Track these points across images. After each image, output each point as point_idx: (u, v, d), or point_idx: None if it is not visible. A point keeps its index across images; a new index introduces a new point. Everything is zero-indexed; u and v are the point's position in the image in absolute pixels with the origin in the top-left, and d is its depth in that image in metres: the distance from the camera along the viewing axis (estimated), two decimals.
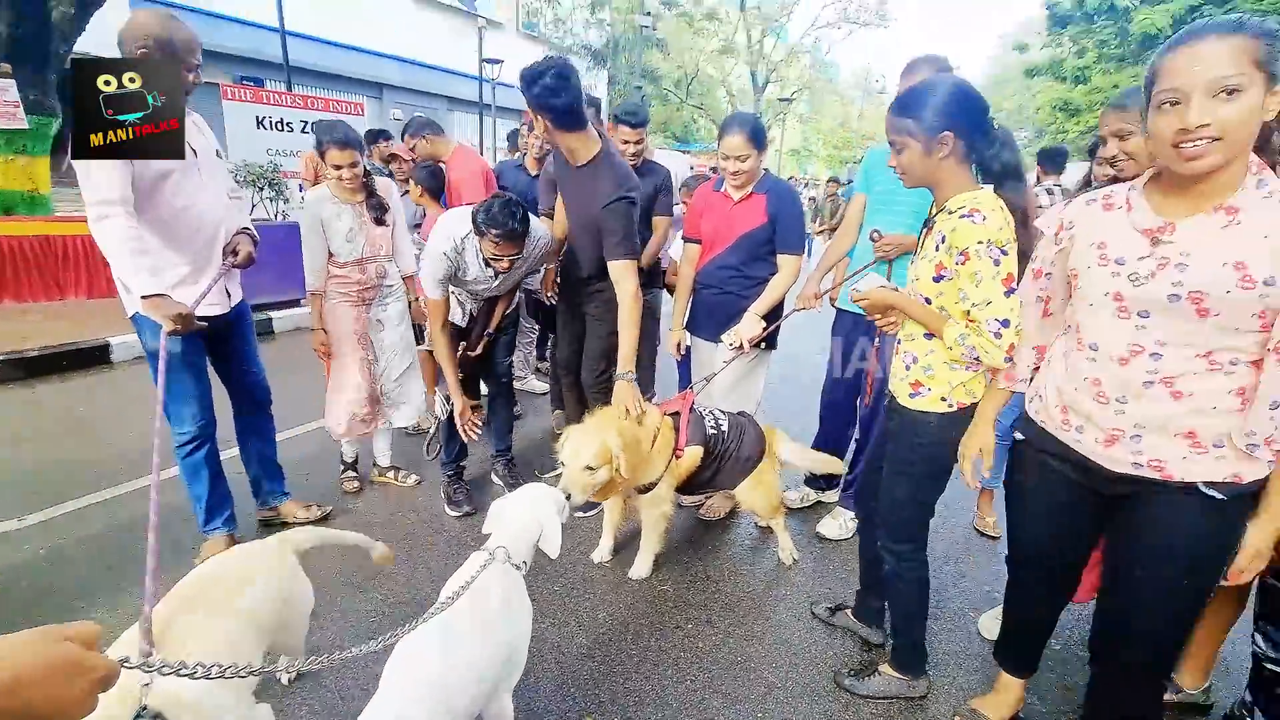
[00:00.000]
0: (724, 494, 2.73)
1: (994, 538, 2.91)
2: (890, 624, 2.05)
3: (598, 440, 2.13)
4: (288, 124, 7.21)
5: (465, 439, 2.80)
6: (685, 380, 3.31)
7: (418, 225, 3.74)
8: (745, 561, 2.73)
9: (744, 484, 2.53)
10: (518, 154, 4.41)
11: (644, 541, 2.54)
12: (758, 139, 2.55)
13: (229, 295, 2.38)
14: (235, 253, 2.26)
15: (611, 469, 2.15)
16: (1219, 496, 1.29)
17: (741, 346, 2.61)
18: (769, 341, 2.75)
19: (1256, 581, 1.72)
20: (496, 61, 15.62)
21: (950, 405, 1.68)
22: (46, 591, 2.28)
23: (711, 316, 2.81)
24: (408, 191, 3.63)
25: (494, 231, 2.38)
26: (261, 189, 6.23)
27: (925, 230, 1.70)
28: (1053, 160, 4.45)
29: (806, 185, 20.35)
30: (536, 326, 4.44)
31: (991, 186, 1.60)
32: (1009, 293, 1.49)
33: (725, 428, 2.50)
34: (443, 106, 19.39)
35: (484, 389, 3.14)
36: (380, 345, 2.94)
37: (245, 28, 14.14)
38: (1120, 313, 1.30)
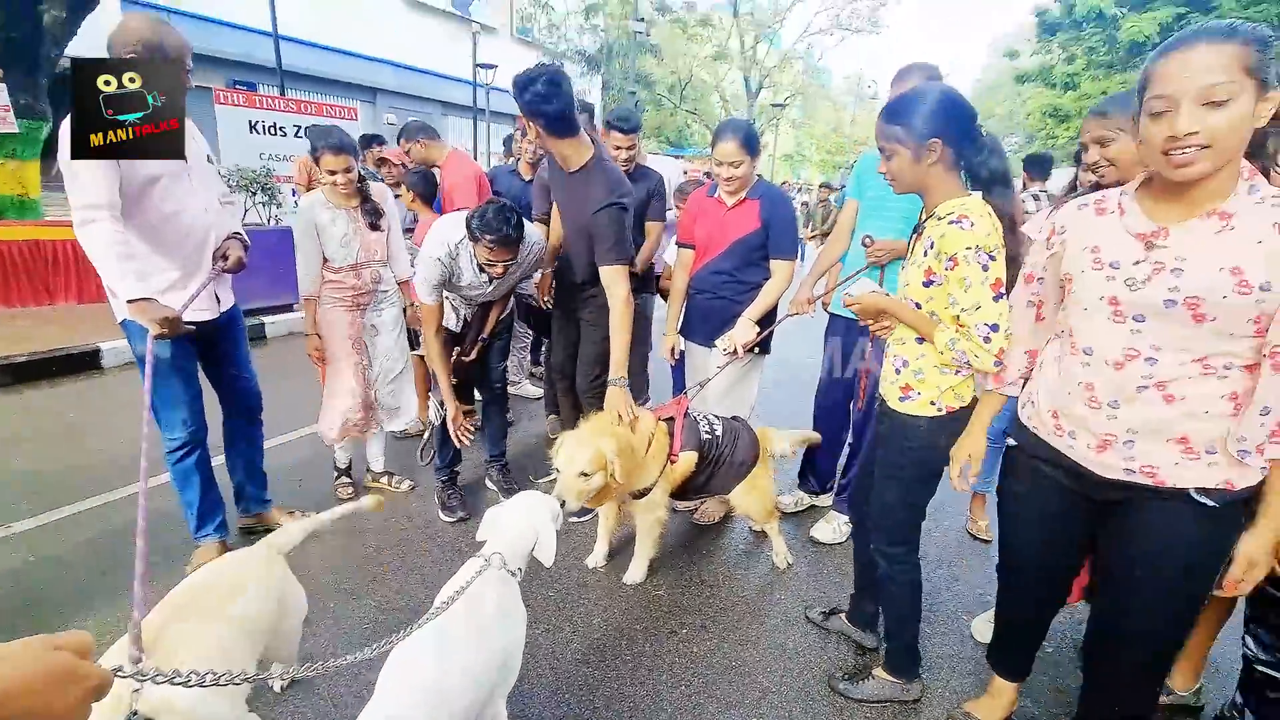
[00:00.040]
0: (718, 499, 2.73)
1: (986, 541, 2.92)
2: (883, 627, 2.05)
3: (592, 447, 2.13)
4: (281, 128, 7.20)
5: (458, 444, 2.80)
6: (679, 385, 3.31)
7: (410, 230, 3.74)
8: (740, 566, 2.73)
9: (738, 489, 2.54)
10: (511, 159, 4.41)
11: (639, 547, 2.54)
12: (751, 145, 2.57)
13: (218, 300, 2.36)
14: (225, 257, 2.25)
15: (606, 475, 2.15)
16: (1210, 503, 1.28)
17: (735, 352, 2.61)
18: (763, 346, 2.76)
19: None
20: (490, 66, 15.63)
21: (939, 409, 1.69)
22: (37, 600, 2.26)
23: (705, 321, 2.82)
24: (398, 196, 3.63)
25: (488, 237, 2.38)
26: (254, 194, 6.20)
27: (915, 236, 1.72)
28: (1038, 166, 4.50)
29: (800, 190, 20.43)
30: (530, 331, 4.44)
31: (980, 193, 1.62)
32: (998, 297, 1.51)
33: (720, 433, 2.51)
34: (436, 111, 19.37)
35: (478, 394, 3.13)
36: (375, 350, 2.93)
37: (238, 32, 14.10)
38: (1115, 317, 1.30)
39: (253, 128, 6.99)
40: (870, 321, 1.80)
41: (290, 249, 2.77)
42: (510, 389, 3.79)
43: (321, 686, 1.93)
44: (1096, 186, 1.85)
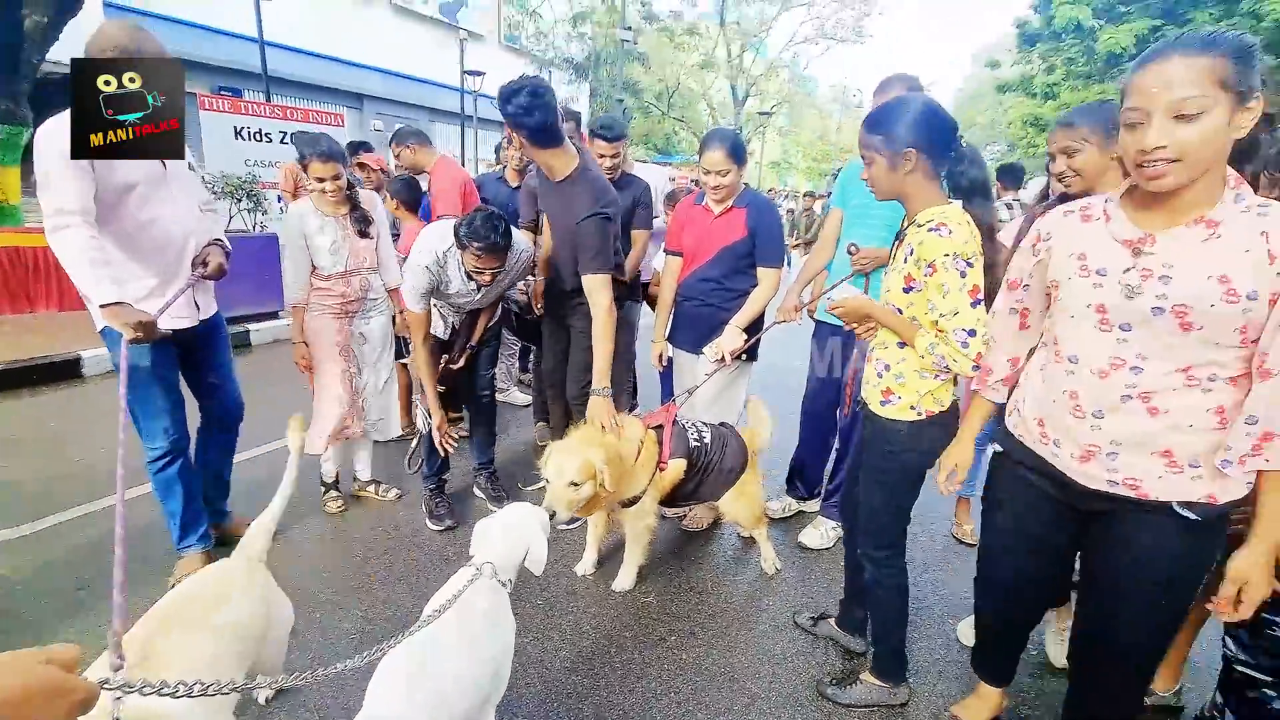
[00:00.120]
0: (707, 505, 2.74)
1: (972, 545, 2.95)
2: (871, 632, 2.07)
3: (581, 456, 2.13)
4: (266, 134, 7.15)
5: (441, 451, 2.79)
6: (667, 392, 3.33)
7: (395, 236, 3.73)
8: (728, 572, 2.74)
9: (727, 495, 2.55)
10: (499, 166, 4.42)
11: (628, 554, 2.54)
12: (737, 154, 2.59)
13: (199, 307, 2.33)
14: (205, 264, 2.22)
15: (596, 484, 2.15)
16: (1193, 517, 1.28)
17: (723, 359, 2.63)
18: (750, 354, 2.78)
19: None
20: (478, 73, 15.66)
21: (919, 413, 1.71)
22: (14, 612, 2.22)
23: (693, 328, 2.83)
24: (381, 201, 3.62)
25: (476, 244, 2.38)
26: (239, 200, 6.15)
27: (896, 243, 1.75)
28: (1010, 176, 4.60)
29: (786, 197, 20.58)
30: (518, 339, 4.44)
31: (960, 202, 1.66)
32: (975, 303, 1.54)
33: (708, 440, 2.52)
34: (424, 118, 19.35)
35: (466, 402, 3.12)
36: (363, 358, 2.91)
37: (224, 38, 14.03)
38: (1102, 325, 1.29)
39: (238, 134, 6.93)
40: (855, 325, 1.83)
41: (275, 256, 2.76)
42: (499, 396, 3.78)
43: (308, 698, 1.91)
44: (1065, 196, 1.89)
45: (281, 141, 7.15)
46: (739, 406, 2.93)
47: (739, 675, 2.13)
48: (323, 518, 2.92)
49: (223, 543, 2.54)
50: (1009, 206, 3.89)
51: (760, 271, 2.71)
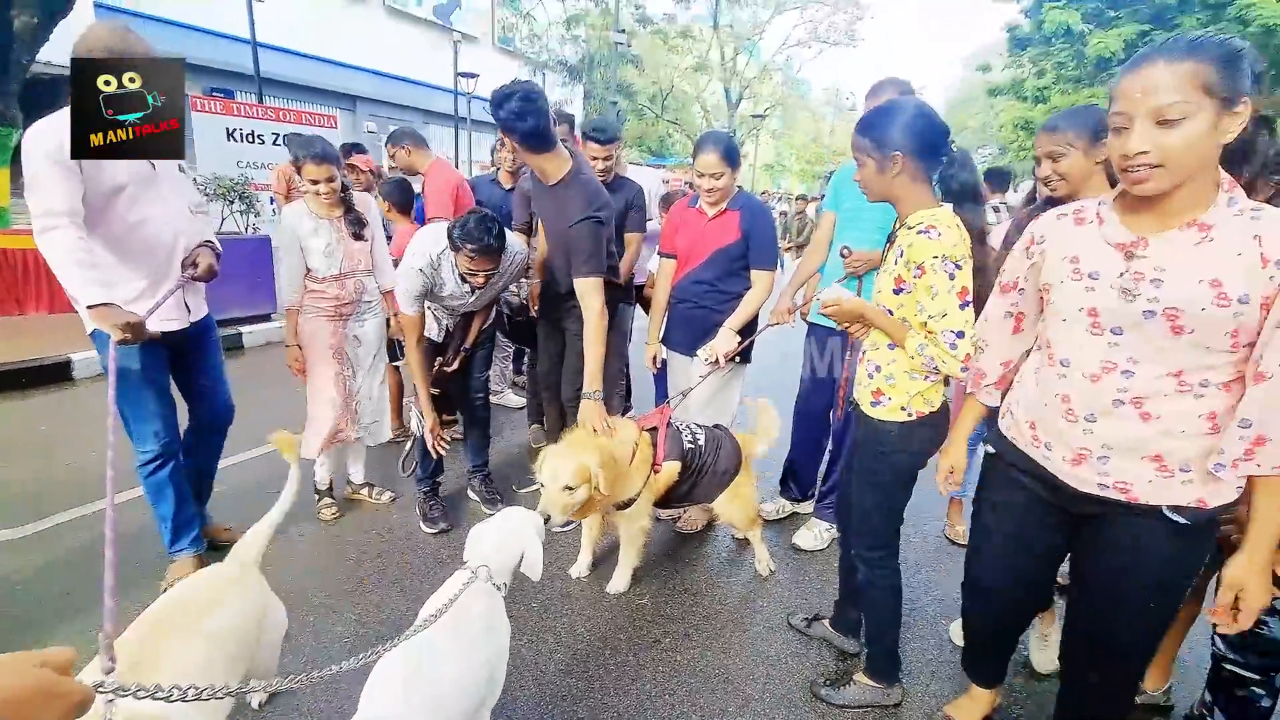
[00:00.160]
0: (702, 507, 2.75)
1: (964, 546, 2.96)
2: (864, 632, 2.08)
3: (576, 460, 2.13)
4: (259, 136, 7.12)
5: (433, 454, 2.79)
6: (662, 394, 3.33)
7: (388, 238, 3.73)
8: (723, 573, 2.74)
9: (721, 497, 2.55)
10: (493, 168, 4.42)
11: (622, 556, 2.54)
12: (731, 158, 2.61)
13: (189, 309, 2.32)
14: (195, 264, 2.20)
15: (591, 488, 2.15)
16: (1183, 521, 1.28)
17: (717, 361, 2.64)
18: (744, 356, 2.79)
19: (1214, 584, 1.79)
20: (472, 76, 15.64)
21: (909, 414, 1.73)
22: (7, 615, 2.20)
23: (687, 330, 2.84)
24: None
25: (469, 246, 2.39)
26: (232, 202, 6.12)
27: (888, 245, 1.77)
28: (997, 179, 4.66)
29: (780, 200, 20.65)
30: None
31: (951, 205, 1.67)
32: (964, 305, 1.55)
33: (702, 442, 2.53)
34: (418, 119, 19.31)
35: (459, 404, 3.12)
36: (357, 361, 2.90)
37: (216, 39, 13.97)
38: (1094, 328, 1.29)
39: (230, 135, 6.90)
40: (847, 325, 1.84)
41: (268, 258, 2.75)
42: (493, 399, 3.78)
43: (302, 702, 1.90)
44: (1050, 200, 1.91)
45: (274, 143, 7.13)
46: (733, 408, 2.94)
47: (733, 677, 2.13)
48: (316, 521, 2.91)
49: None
50: (995, 209, 3.92)
51: (754, 274, 2.73)
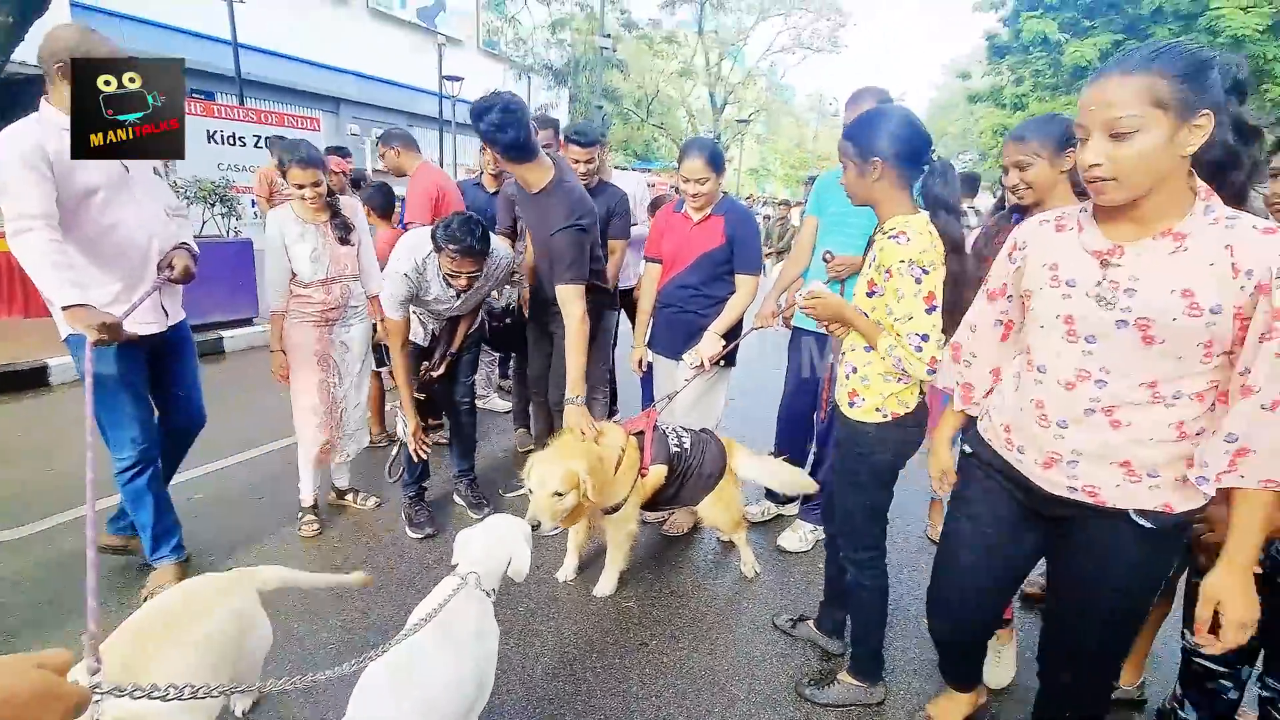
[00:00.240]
0: (687, 510, 2.77)
1: None
2: (850, 633, 2.11)
3: (564, 466, 2.14)
4: (240, 138, 7.08)
5: (415, 458, 2.78)
6: (648, 398, 3.35)
7: None
8: (708, 576, 2.76)
9: (707, 500, 2.57)
10: (478, 172, 4.43)
11: (609, 560, 2.55)
12: (716, 163, 2.64)
13: (166, 313, 2.29)
14: (171, 266, 2.18)
15: (579, 494, 2.16)
16: (1149, 525, 1.28)
17: (702, 365, 2.67)
18: (728, 359, 2.82)
19: (1183, 581, 1.84)
20: (457, 79, 15.60)
21: (885, 415, 1.76)
22: None
23: (672, 334, 2.87)
24: None
25: (451, 247, 2.39)
26: (213, 205, 6.05)
27: (867, 249, 1.81)
28: (967, 184, 4.76)
29: (765, 204, 20.78)
30: None
31: (928, 213, 1.71)
32: (930, 310, 1.59)
33: (688, 445, 2.55)
34: (402, 122, 19.18)
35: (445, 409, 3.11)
36: (344, 367, 2.87)
37: (196, 40, 13.80)
38: (1069, 336, 1.29)
39: (211, 137, 6.85)
40: (826, 323, 1.87)
41: (249, 261, 2.73)
42: (479, 403, 3.77)
43: (285, 710, 1.89)
44: (1018, 208, 1.95)
45: (256, 145, 7.08)
46: (718, 412, 2.97)
47: (719, 677, 2.15)
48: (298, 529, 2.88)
49: (129, 552, 2.47)
50: (962, 214, 4.01)
51: (739, 278, 2.76)
